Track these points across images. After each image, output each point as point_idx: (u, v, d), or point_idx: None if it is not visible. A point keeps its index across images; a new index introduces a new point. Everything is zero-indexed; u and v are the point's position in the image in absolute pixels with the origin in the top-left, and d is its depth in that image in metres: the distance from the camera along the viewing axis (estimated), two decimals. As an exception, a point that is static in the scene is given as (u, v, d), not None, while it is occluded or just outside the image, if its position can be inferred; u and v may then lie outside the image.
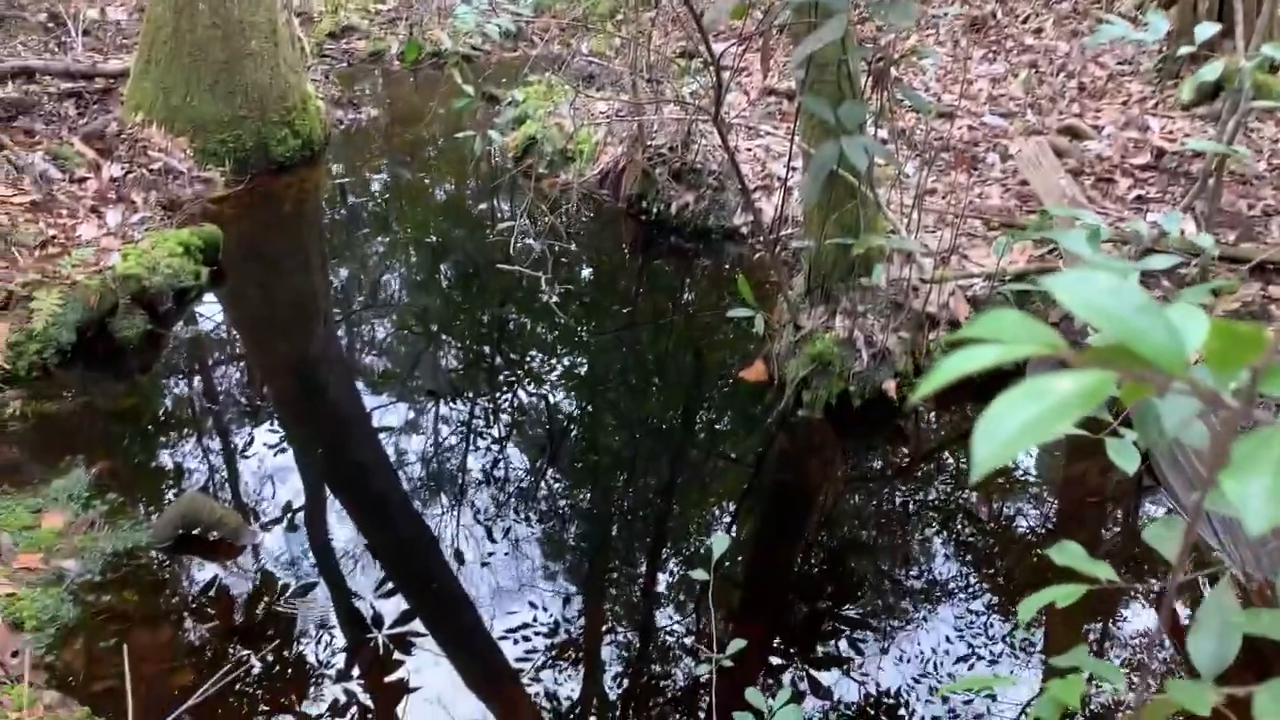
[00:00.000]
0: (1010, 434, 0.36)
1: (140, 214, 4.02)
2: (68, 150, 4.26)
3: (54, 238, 3.66)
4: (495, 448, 3.07)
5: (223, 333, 3.75)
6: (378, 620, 2.36)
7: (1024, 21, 5.98)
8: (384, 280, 4.20)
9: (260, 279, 4.12)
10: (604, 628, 2.40)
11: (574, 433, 3.20)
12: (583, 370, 3.52)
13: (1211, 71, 4.34)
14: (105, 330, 3.37)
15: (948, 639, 2.32)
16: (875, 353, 3.05)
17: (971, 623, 2.37)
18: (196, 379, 3.43)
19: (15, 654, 2.15)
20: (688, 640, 2.33)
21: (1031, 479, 2.92)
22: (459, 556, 2.58)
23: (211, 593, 2.42)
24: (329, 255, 4.40)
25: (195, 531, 2.51)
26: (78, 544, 2.49)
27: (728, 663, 1.72)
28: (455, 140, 4.41)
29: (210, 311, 3.81)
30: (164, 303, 3.55)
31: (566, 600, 2.45)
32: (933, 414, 3.14)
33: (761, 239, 3.72)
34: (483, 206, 4.71)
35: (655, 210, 4.45)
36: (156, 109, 4.62)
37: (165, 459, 2.94)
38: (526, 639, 2.32)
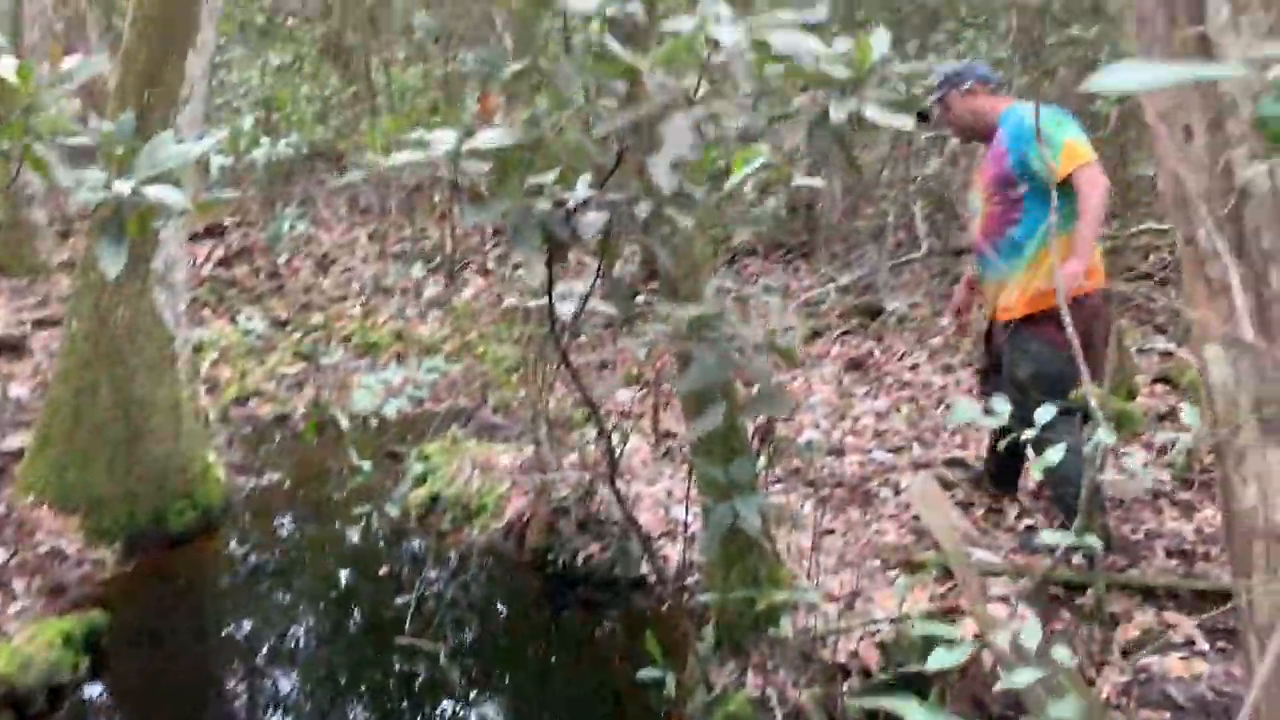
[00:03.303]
0: None
1: (19, 603, 3.84)
2: (-52, 538, 4.11)
3: (-80, 638, 3.44)
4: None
5: (98, 730, 3.49)
6: None
7: (900, 359, 6.40)
8: (279, 656, 4.01)
9: (147, 662, 3.90)
10: None
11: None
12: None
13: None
14: (-36, 741, 3.11)
15: None
16: (789, 711, 2.96)
17: None
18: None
19: None
20: None
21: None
22: None
23: None
24: (222, 632, 4.22)
25: None
26: None
27: None
28: (357, 506, 4.41)
29: (88, 705, 3.56)
30: (35, 703, 3.32)
31: None
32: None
33: (666, 591, 3.71)
34: (384, 569, 4.62)
35: (561, 562, 4.42)
36: (50, 488, 4.55)
37: None
38: None
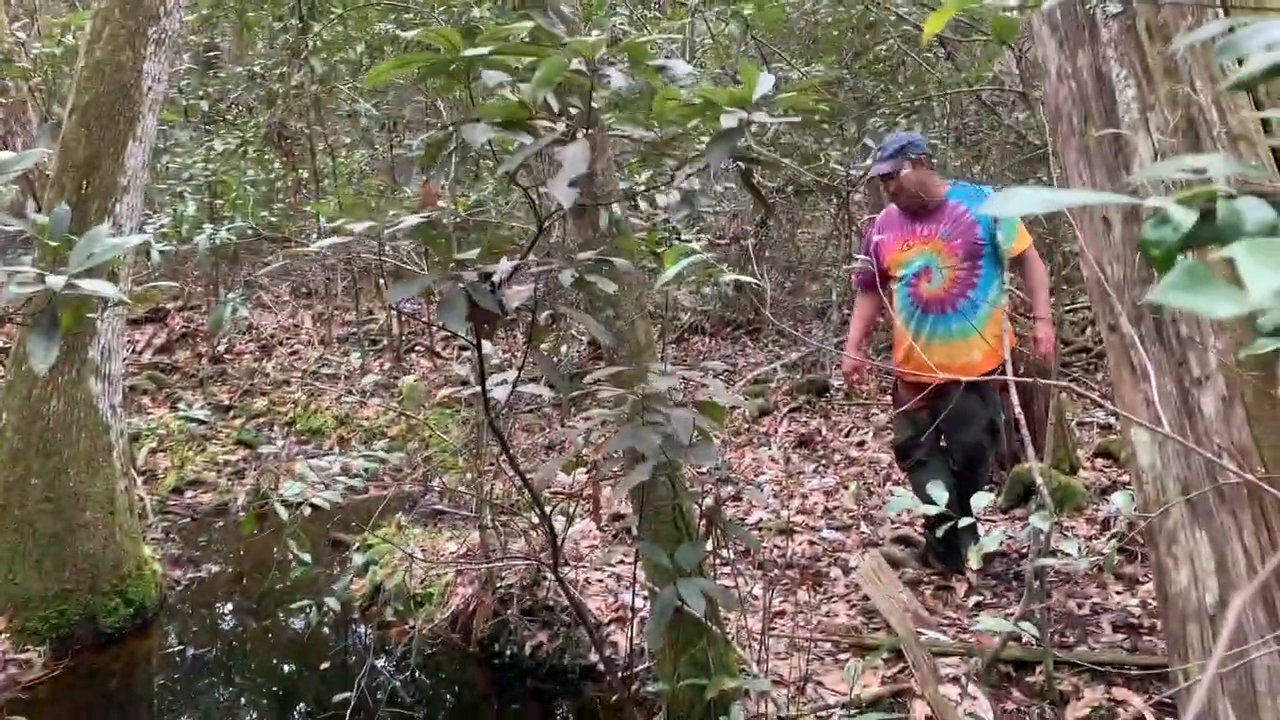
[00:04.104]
0: None
1: (-62, 711, 3.66)
2: None
3: None
4: None
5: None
6: None
7: (847, 435, 6.44)
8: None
9: (73, 771, 3.74)
10: None
11: None
12: None
13: (1017, 480, 4.69)
14: None
15: None
16: (741, 802, 2.90)
17: None
18: None
19: None
20: None
21: None
22: None
23: None
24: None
25: None
26: None
27: None
28: (298, 598, 4.30)
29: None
30: (-49, 819, 3.15)
31: None
32: None
33: (615, 680, 3.64)
34: (326, 664, 4.49)
35: (508, 653, 4.32)
36: (-26, 589, 4.38)
37: None
38: None
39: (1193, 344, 1.36)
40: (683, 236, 4.53)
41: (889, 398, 5.00)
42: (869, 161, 5.56)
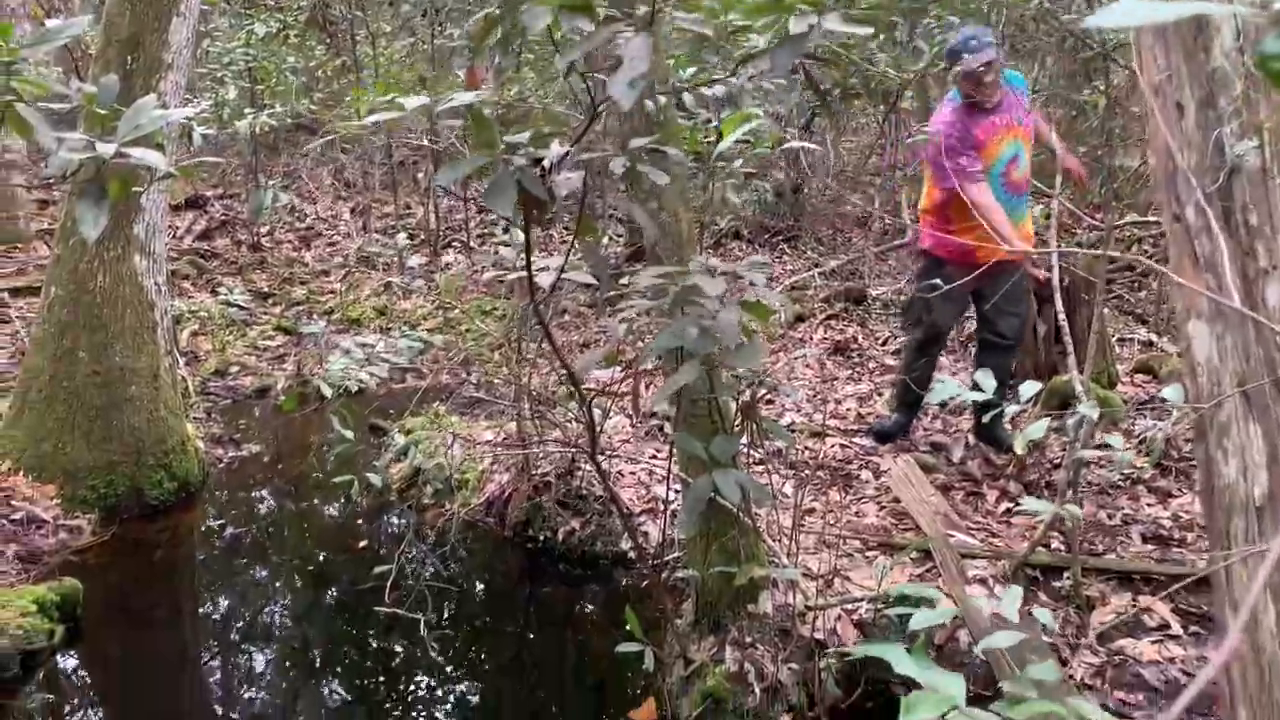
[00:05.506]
0: None
1: (-6, 570, 3.81)
2: (-78, 504, 4.08)
3: (-107, 602, 3.42)
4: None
5: (75, 697, 3.47)
6: None
7: (883, 344, 6.41)
8: (256, 626, 4.00)
9: (123, 633, 3.89)
10: None
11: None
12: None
13: (1053, 395, 4.67)
14: (-63, 706, 3.09)
15: None
16: (767, 686, 2.98)
17: None
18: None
19: None
20: None
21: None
22: None
23: None
24: (199, 602, 4.20)
25: None
26: None
27: None
28: (338, 475, 4.39)
29: (64, 673, 3.54)
30: (9, 668, 3.30)
31: None
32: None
33: (647, 567, 3.71)
34: (363, 544, 4.61)
35: (542, 538, 4.42)
36: (25, 457, 4.51)
37: None
38: None
39: (1261, 233, 1.33)
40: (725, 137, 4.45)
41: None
42: (923, 64, 5.42)
